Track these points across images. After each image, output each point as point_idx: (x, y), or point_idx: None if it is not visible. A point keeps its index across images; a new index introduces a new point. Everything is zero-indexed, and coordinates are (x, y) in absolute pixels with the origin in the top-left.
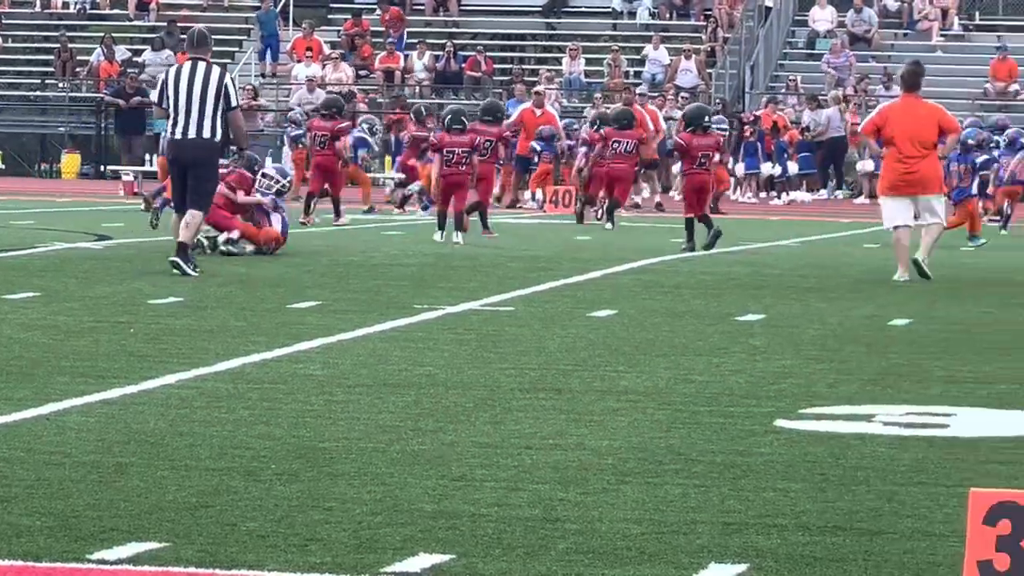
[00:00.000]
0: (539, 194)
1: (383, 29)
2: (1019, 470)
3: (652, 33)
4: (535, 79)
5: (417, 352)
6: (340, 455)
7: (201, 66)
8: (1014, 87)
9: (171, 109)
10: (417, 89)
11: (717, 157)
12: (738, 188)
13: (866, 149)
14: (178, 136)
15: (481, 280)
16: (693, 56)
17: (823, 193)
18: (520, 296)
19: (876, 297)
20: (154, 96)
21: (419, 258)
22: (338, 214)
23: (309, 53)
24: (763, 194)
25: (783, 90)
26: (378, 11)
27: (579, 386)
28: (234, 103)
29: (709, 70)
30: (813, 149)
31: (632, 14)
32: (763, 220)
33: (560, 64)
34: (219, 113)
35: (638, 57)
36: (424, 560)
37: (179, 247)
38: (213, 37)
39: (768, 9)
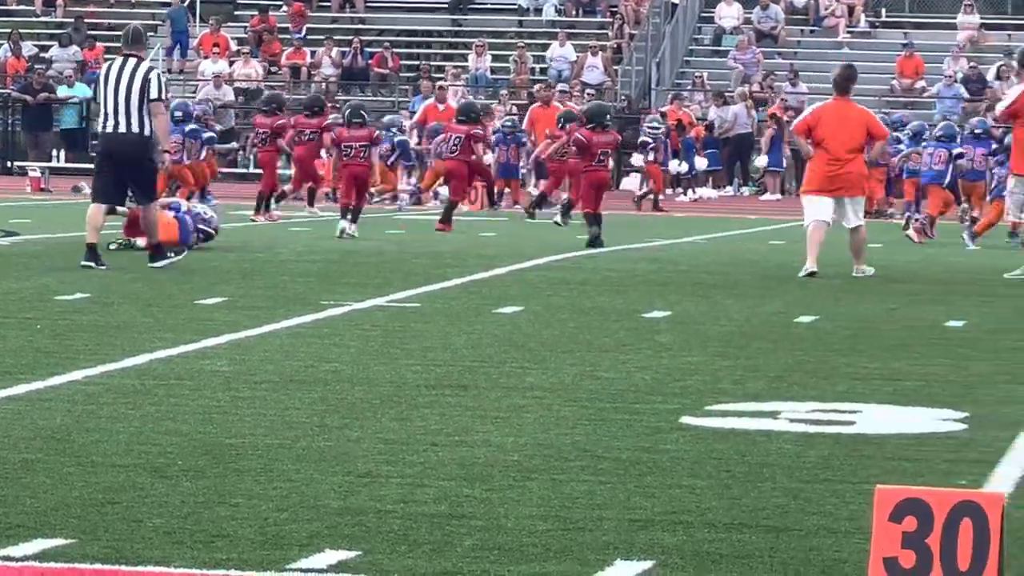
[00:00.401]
0: (443, 190)
1: (290, 25)
2: (925, 467)
3: (558, 30)
4: (441, 76)
5: (323, 348)
6: (246, 451)
7: (131, 62)
8: (920, 84)
9: (102, 104)
10: (324, 85)
11: (652, 156)
12: (644, 185)
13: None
14: (109, 130)
15: (387, 276)
16: (599, 53)
17: (729, 190)
18: (426, 292)
19: (782, 294)
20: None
21: (325, 254)
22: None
23: (216, 49)
24: (669, 191)
25: (690, 87)
26: (284, 7)
27: (485, 383)
28: (154, 95)
29: (615, 67)
30: (719, 146)
31: (538, 10)
32: (669, 217)
33: (466, 61)
34: (145, 108)
35: (544, 54)
36: (330, 556)
37: (151, 249)
38: (118, 33)
39: (674, 6)
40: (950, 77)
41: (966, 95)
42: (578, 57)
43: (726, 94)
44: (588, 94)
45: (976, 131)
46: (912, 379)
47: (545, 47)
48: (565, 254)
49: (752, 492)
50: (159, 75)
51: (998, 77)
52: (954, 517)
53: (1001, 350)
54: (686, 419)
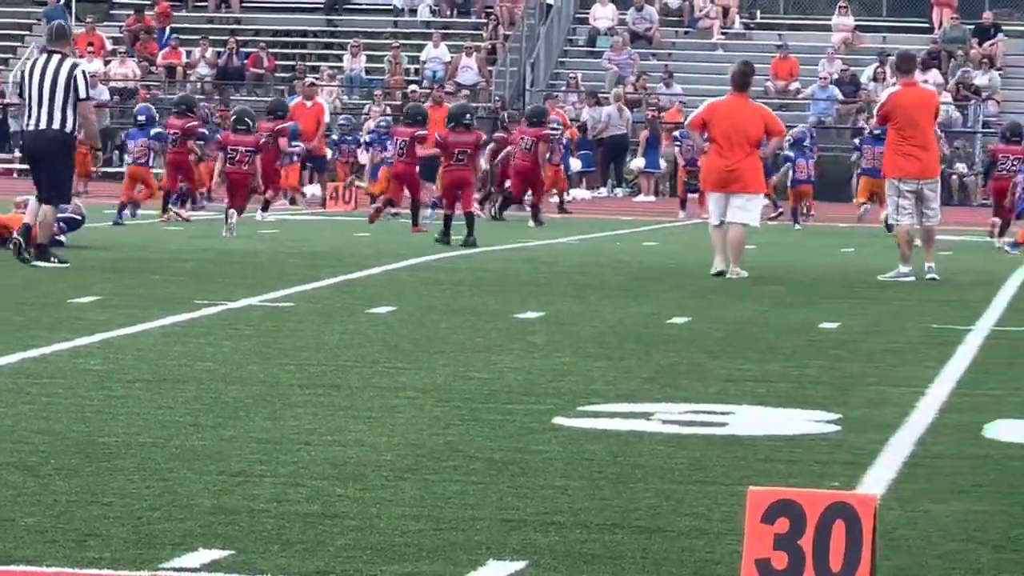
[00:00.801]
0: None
1: (154, 24)
2: (797, 468)
3: (433, 30)
4: (317, 76)
5: (197, 348)
6: (119, 450)
7: (55, 59)
8: (795, 85)
9: (26, 101)
10: (200, 85)
11: (540, 149)
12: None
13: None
14: (31, 127)
15: (261, 276)
16: (474, 53)
17: (603, 191)
18: (300, 292)
19: (655, 295)
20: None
21: (199, 254)
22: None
23: (91, 48)
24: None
25: (564, 88)
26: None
27: (358, 382)
28: (83, 94)
29: (490, 67)
30: (593, 147)
31: (413, 11)
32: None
33: (341, 61)
34: (70, 105)
35: (419, 55)
36: (203, 556)
37: (37, 249)
38: None
39: (549, 7)
40: (824, 79)
41: (840, 97)
42: (452, 58)
43: (600, 95)
44: (462, 95)
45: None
46: (785, 381)
47: (420, 48)
48: (439, 254)
49: (625, 493)
50: (84, 73)
51: (872, 79)
52: (826, 518)
53: (874, 352)
54: (559, 420)
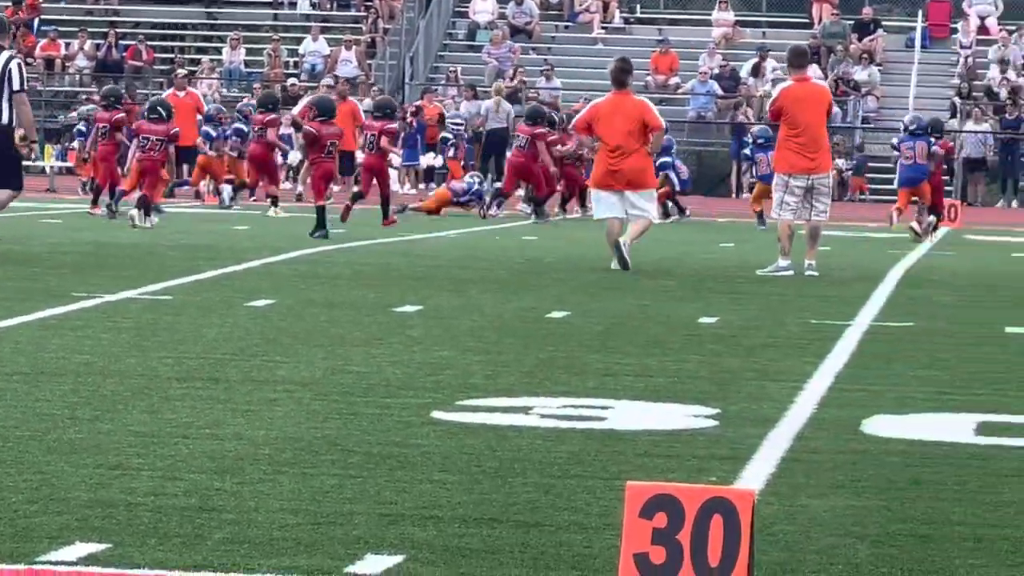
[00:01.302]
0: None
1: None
2: (676, 463)
3: (312, 24)
4: (196, 68)
5: (75, 340)
6: None
7: None
8: (674, 80)
9: None
10: (78, 78)
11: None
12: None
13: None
14: None
15: (140, 269)
16: (353, 47)
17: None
18: (179, 285)
19: (534, 289)
20: None
21: (78, 246)
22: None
23: None
24: (422, 185)
25: (443, 81)
26: None
27: (236, 376)
28: (17, 86)
29: (369, 61)
30: (472, 141)
31: (292, 4)
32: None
33: (221, 54)
34: (4, 97)
35: (298, 48)
36: (80, 549)
37: None
38: None
39: (429, 0)
40: (704, 74)
41: (720, 92)
42: (332, 51)
43: (479, 89)
44: (377, 89)
45: (911, 128)
46: (664, 375)
47: (299, 41)
48: (317, 248)
49: (503, 487)
50: (19, 65)
51: (752, 74)
52: (704, 513)
53: (753, 347)
54: (437, 414)
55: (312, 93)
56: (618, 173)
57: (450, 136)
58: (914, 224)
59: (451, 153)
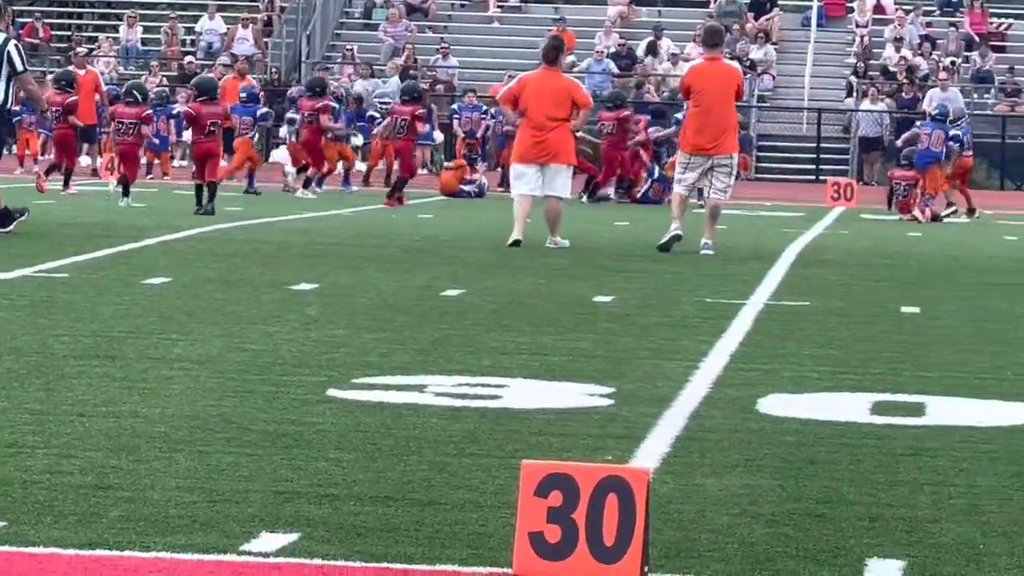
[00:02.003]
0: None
1: None
2: (571, 442)
3: (209, 2)
4: (93, 47)
5: None
6: None
7: None
8: (570, 59)
9: None
10: None
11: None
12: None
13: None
14: None
15: (36, 246)
16: (250, 25)
17: (381, 164)
18: (75, 263)
19: (429, 268)
20: None
21: None
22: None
23: None
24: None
25: (340, 59)
26: None
27: (132, 354)
28: (19, 68)
29: (266, 39)
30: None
31: None
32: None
33: (118, 32)
34: (3, 78)
35: (194, 26)
36: None
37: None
38: None
39: None
40: (600, 52)
41: (616, 70)
42: (228, 29)
43: (376, 67)
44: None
45: (934, 114)
46: (559, 354)
47: (196, 19)
48: (215, 225)
49: (398, 465)
50: (17, 46)
51: (648, 52)
52: (600, 492)
53: (648, 326)
54: (333, 392)
55: (209, 71)
56: (541, 145)
57: (377, 115)
58: (916, 212)
59: (375, 132)
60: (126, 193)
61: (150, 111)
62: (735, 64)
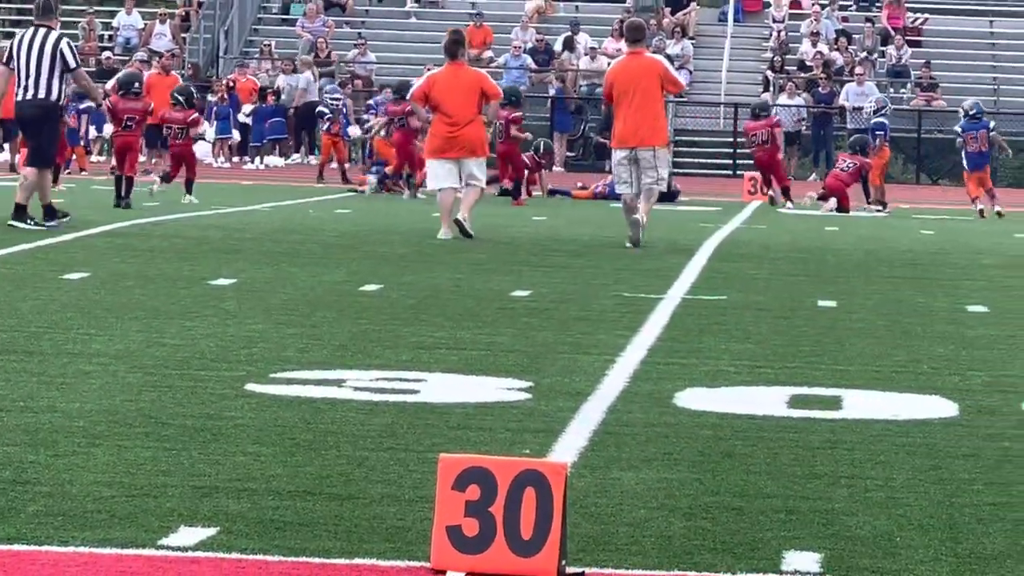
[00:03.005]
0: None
1: None
2: (488, 436)
3: None
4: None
5: None
6: None
7: (41, 32)
8: (488, 54)
9: (17, 73)
10: None
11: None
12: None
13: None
14: (19, 97)
15: None
16: (168, 20)
17: (296, 158)
18: None
19: (347, 263)
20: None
21: None
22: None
23: None
24: (236, 158)
25: (257, 55)
26: None
27: (50, 349)
28: (72, 64)
29: (184, 34)
30: (285, 114)
31: None
32: (236, 184)
33: None
34: (55, 76)
35: (112, 21)
36: None
37: (16, 208)
38: None
39: None
40: (518, 47)
41: (533, 66)
42: (146, 24)
43: (295, 62)
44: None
45: (972, 112)
46: (477, 348)
47: (113, 14)
48: (133, 220)
49: (317, 460)
50: (69, 44)
51: (565, 47)
52: (517, 486)
53: (566, 320)
54: (251, 386)
55: (128, 66)
56: (456, 140)
57: (326, 111)
58: (984, 206)
59: (325, 128)
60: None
61: (197, 115)
62: (658, 56)
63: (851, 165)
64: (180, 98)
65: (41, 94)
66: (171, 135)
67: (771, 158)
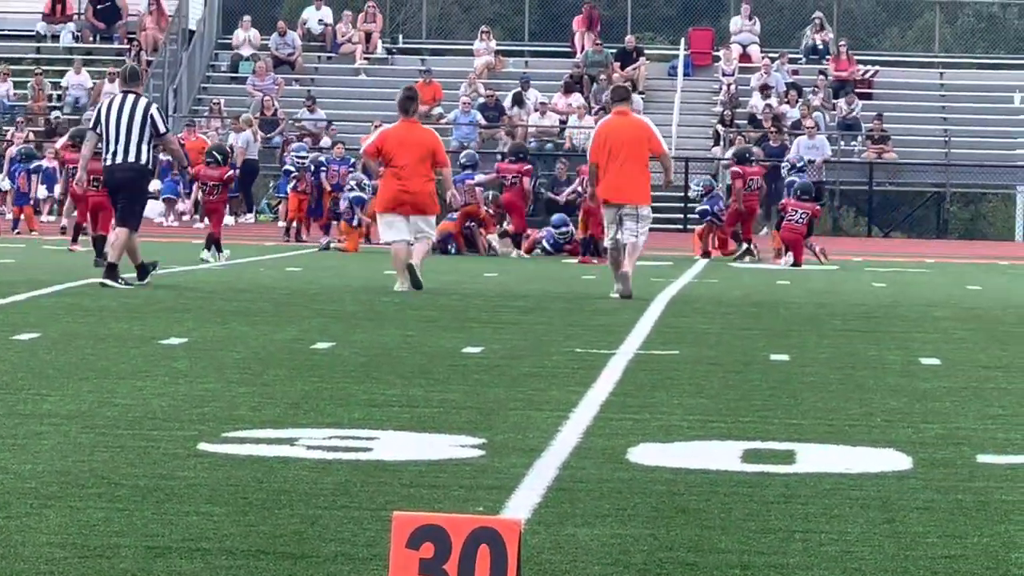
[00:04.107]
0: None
1: None
2: (442, 493)
3: (76, 56)
4: None
5: None
6: None
7: (131, 98)
8: (437, 110)
9: (104, 138)
10: None
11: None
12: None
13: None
14: (110, 162)
15: None
16: (117, 79)
17: (249, 216)
18: None
19: (298, 321)
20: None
21: None
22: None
23: None
24: (186, 217)
25: (207, 113)
26: None
27: (2, 409)
28: (162, 129)
29: None
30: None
31: (56, 37)
32: (187, 243)
33: None
34: (145, 140)
35: (61, 80)
36: None
37: (108, 267)
38: None
39: (192, 32)
40: (467, 103)
41: (483, 122)
42: (95, 83)
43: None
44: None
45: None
46: (429, 406)
47: (62, 73)
48: (82, 280)
49: (270, 519)
50: (159, 109)
51: (515, 103)
52: (471, 543)
53: (518, 376)
54: (203, 446)
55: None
56: (406, 196)
57: (292, 169)
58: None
59: (292, 186)
60: (217, 247)
61: (232, 171)
62: (645, 118)
63: (804, 215)
64: (217, 156)
65: (131, 158)
66: (207, 191)
67: (757, 205)
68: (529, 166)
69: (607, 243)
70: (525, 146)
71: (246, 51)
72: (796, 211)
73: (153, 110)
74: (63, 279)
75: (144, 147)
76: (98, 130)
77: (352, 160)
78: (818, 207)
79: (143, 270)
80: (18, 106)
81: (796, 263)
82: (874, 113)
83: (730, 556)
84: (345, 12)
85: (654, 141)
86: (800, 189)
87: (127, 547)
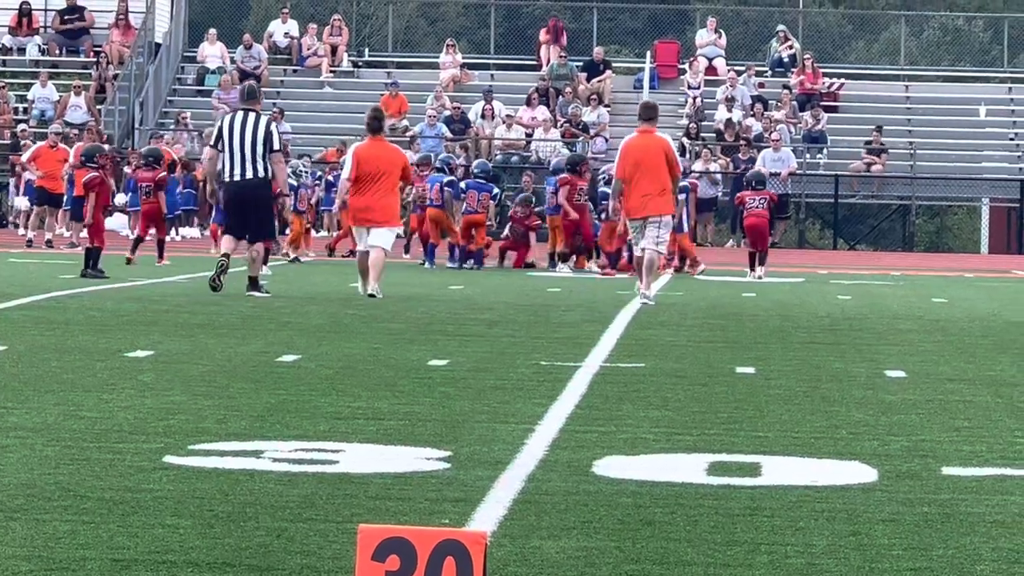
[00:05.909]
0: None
1: None
2: (408, 506)
3: (41, 69)
4: None
5: None
6: None
7: (252, 116)
8: (404, 123)
9: (227, 154)
10: None
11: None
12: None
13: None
14: (236, 178)
15: None
16: (83, 92)
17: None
18: None
19: (264, 334)
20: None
21: None
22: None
23: None
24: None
25: (173, 126)
26: None
27: None
28: (276, 147)
29: (99, 106)
30: (195, 186)
31: (22, 50)
32: (151, 255)
33: None
34: (266, 156)
35: (26, 93)
36: None
37: (250, 280)
38: None
39: (158, 45)
40: (433, 116)
41: (449, 134)
42: (61, 97)
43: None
44: (73, 134)
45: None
46: (395, 418)
47: (28, 87)
48: (49, 293)
49: (236, 531)
50: (277, 127)
51: (481, 116)
52: (437, 556)
53: (483, 389)
54: (169, 458)
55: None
56: (368, 210)
57: (294, 182)
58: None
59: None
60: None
61: (164, 172)
62: (667, 137)
63: (762, 200)
64: (151, 159)
65: (258, 173)
66: (141, 194)
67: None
68: (452, 177)
69: (636, 252)
70: (430, 156)
71: (212, 64)
72: (754, 199)
73: (273, 127)
74: (28, 292)
75: (266, 162)
76: (219, 147)
77: (319, 173)
78: (774, 193)
79: (254, 282)
80: None
81: (762, 249)
82: (840, 126)
83: (696, 569)
84: (311, 25)
85: (673, 161)
86: (753, 178)
87: (93, 560)
